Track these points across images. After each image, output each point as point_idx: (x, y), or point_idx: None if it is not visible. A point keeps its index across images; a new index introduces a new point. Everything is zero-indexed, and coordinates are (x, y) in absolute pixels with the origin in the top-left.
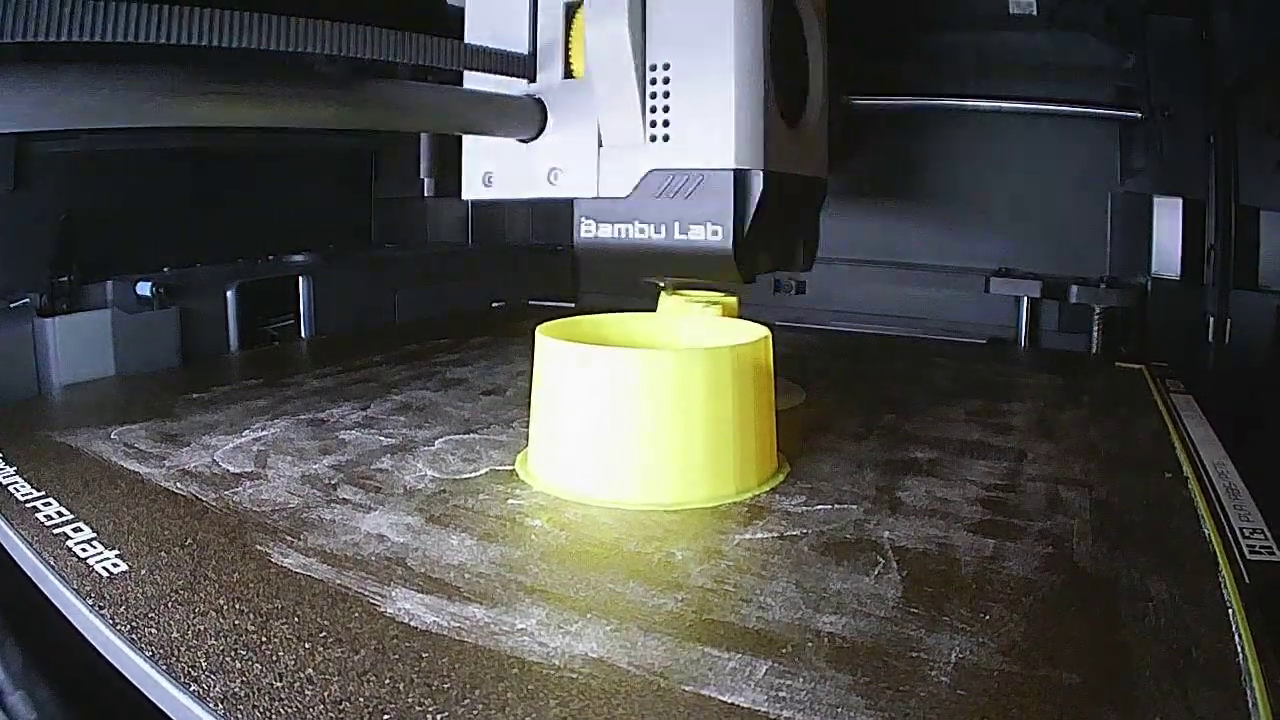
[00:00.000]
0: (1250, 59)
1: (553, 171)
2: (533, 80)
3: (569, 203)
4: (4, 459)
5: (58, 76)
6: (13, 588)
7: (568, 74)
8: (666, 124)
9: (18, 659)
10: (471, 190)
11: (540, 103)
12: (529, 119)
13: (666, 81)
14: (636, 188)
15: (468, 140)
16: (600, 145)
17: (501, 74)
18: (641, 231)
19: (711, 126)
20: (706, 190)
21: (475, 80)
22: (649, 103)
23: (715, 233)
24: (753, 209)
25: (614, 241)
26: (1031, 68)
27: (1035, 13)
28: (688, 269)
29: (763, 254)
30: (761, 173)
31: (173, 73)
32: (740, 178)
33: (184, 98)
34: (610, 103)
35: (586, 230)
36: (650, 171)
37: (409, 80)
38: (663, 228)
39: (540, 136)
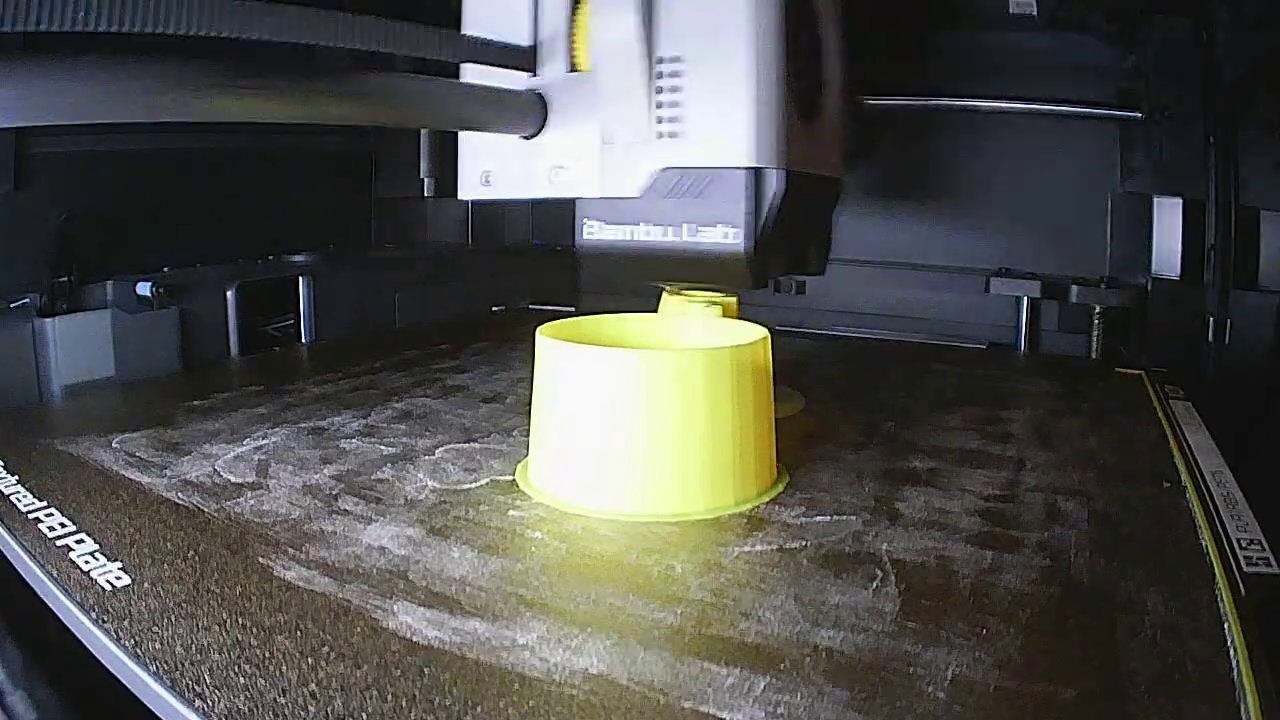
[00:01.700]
0: (1250, 59)
1: (554, 170)
2: (534, 74)
3: (570, 203)
4: (5, 468)
5: (60, 69)
6: (13, 588)
7: (572, 67)
8: (675, 120)
9: (18, 659)
10: (468, 190)
11: (541, 97)
12: (529, 114)
13: (676, 75)
14: (645, 186)
15: (465, 138)
16: (606, 143)
17: (501, 67)
18: (649, 234)
19: (727, 122)
20: (720, 189)
21: (476, 75)
22: (656, 97)
23: (730, 235)
24: (770, 210)
25: (619, 243)
26: (1031, 68)
27: (1035, 13)
28: (699, 273)
29: (777, 257)
30: (780, 171)
31: (154, 65)
32: (757, 176)
33: (177, 92)
34: (616, 97)
35: (590, 232)
36: (662, 170)
37: (408, 73)
38: (672, 229)
39: (541, 133)
